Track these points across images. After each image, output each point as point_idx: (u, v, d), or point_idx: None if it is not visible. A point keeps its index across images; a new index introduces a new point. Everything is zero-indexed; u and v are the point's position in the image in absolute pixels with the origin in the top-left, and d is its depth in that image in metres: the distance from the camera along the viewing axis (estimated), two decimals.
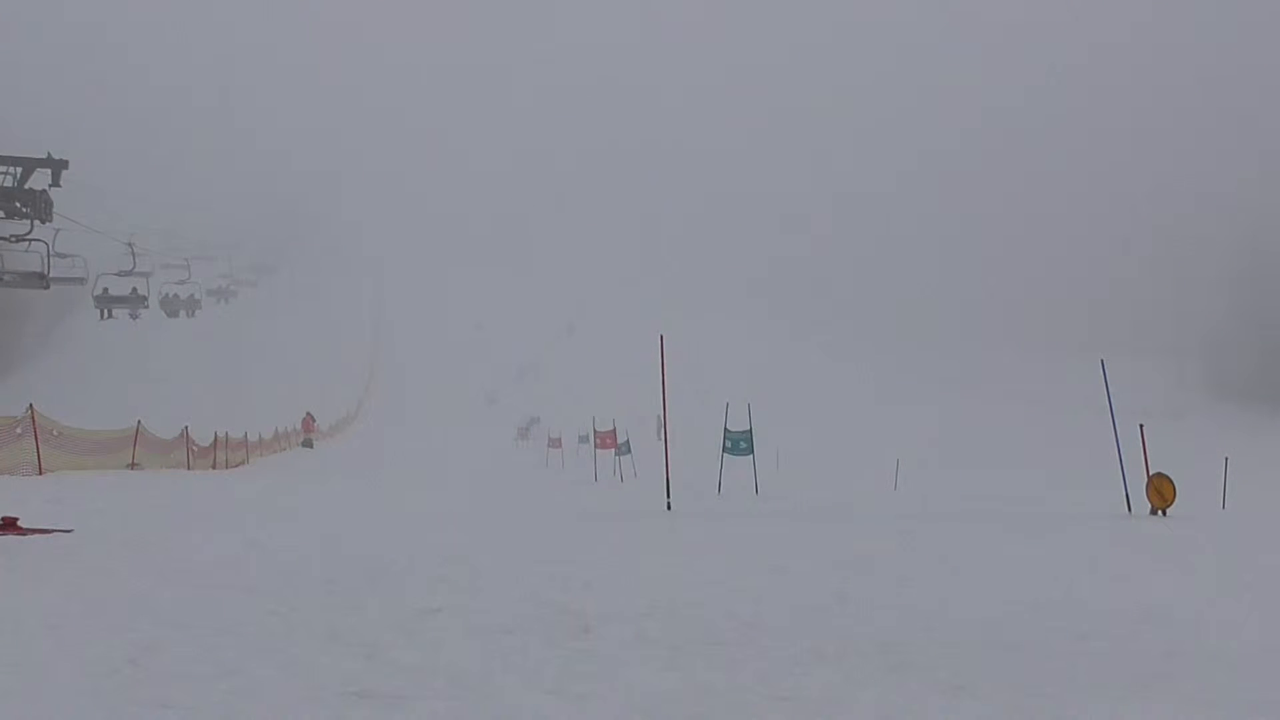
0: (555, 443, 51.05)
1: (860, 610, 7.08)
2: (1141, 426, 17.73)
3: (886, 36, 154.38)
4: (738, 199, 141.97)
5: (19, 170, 15.34)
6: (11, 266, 18.77)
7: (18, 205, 15.24)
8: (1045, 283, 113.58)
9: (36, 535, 10.23)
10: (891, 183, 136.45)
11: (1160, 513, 16.08)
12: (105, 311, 34.14)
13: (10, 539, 9.91)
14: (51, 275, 19.24)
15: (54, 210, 15.64)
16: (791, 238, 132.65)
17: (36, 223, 17.50)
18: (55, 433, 21.18)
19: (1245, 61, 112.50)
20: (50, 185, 15.56)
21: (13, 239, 17.76)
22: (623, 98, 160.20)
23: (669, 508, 16.16)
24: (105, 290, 33.50)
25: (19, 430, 19.77)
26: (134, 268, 33.44)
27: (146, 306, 35.11)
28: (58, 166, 15.53)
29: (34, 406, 20.63)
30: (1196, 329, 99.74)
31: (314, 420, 50.48)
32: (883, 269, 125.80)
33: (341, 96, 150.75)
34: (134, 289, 33.71)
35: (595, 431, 38.10)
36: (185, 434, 29.15)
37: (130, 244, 33.59)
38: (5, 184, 15.26)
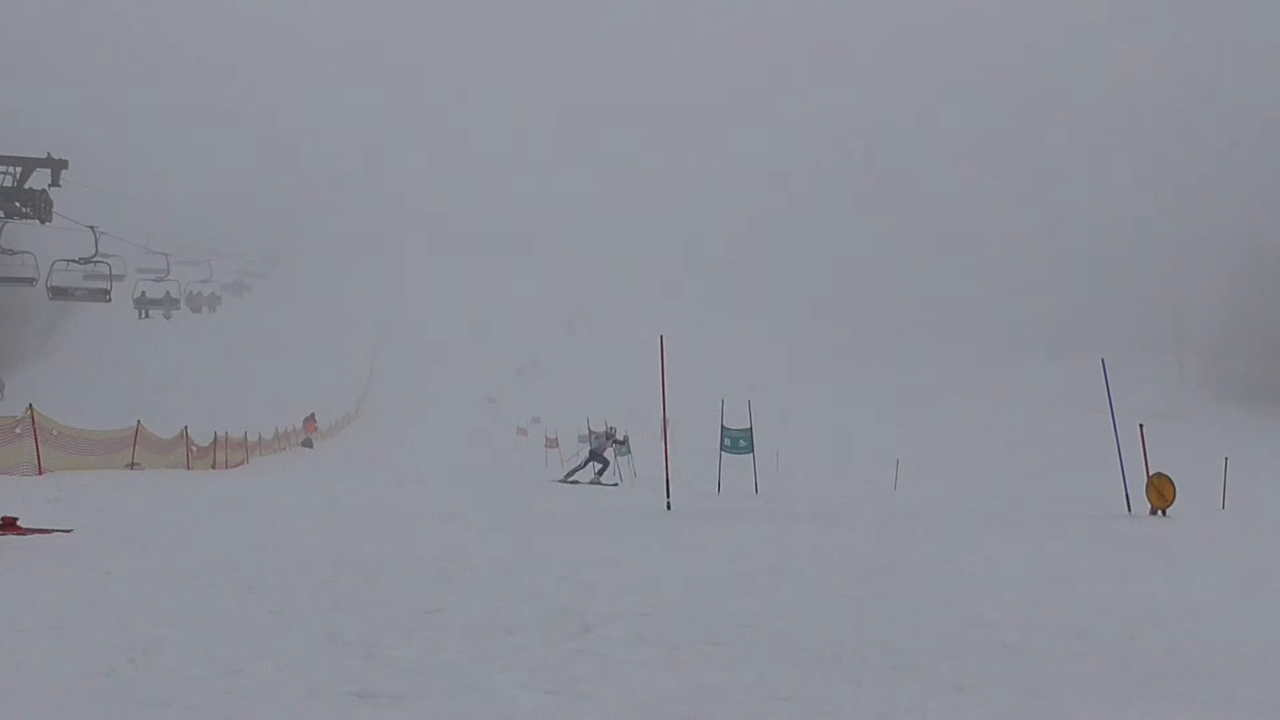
0: (552, 443, 50.95)
1: (860, 610, 7.08)
2: (1141, 426, 17.72)
3: (883, 37, 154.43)
4: (739, 199, 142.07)
5: (19, 170, 15.37)
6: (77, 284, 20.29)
7: (18, 205, 15.27)
8: (1045, 282, 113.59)
9: (36, 535, 10.23)
10: (891, 182, 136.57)
11: (1160, 513, 16.08)
12: (143, 312, 36.82)
13: (10, 539, 9.91)
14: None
15: (54, 210, 15.69)
16: (791, 238, 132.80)
17: (103, 249, 18.79)
18: (55, 432, 21.16)
19: (1246, 60, 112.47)
20: (50, 185, 15.59)
21: (80, 260, 19.18)
22: (622, 96, 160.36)
23: (669, 507, 16.15)
24: (144, 294, 36.29)
25: (19, 430, 19.75)
26: (168, 273, 36.20)
27: (179, 308, 38.17)
28: (57, 166, 15.57)
29: (34, 406, 20.62)
30: (1196, 329, 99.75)
31: (315, 422, 50.50)
32: (882, 269, 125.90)
33: (342, 95, 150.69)
34: (167, 292, 36.78)
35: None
36: (185, 434, 29.15)
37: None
38: (5, 184, 15.28)
